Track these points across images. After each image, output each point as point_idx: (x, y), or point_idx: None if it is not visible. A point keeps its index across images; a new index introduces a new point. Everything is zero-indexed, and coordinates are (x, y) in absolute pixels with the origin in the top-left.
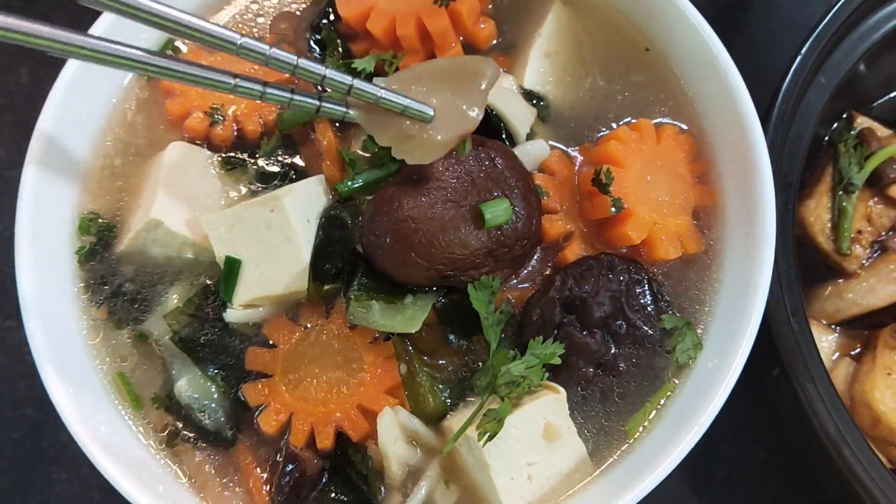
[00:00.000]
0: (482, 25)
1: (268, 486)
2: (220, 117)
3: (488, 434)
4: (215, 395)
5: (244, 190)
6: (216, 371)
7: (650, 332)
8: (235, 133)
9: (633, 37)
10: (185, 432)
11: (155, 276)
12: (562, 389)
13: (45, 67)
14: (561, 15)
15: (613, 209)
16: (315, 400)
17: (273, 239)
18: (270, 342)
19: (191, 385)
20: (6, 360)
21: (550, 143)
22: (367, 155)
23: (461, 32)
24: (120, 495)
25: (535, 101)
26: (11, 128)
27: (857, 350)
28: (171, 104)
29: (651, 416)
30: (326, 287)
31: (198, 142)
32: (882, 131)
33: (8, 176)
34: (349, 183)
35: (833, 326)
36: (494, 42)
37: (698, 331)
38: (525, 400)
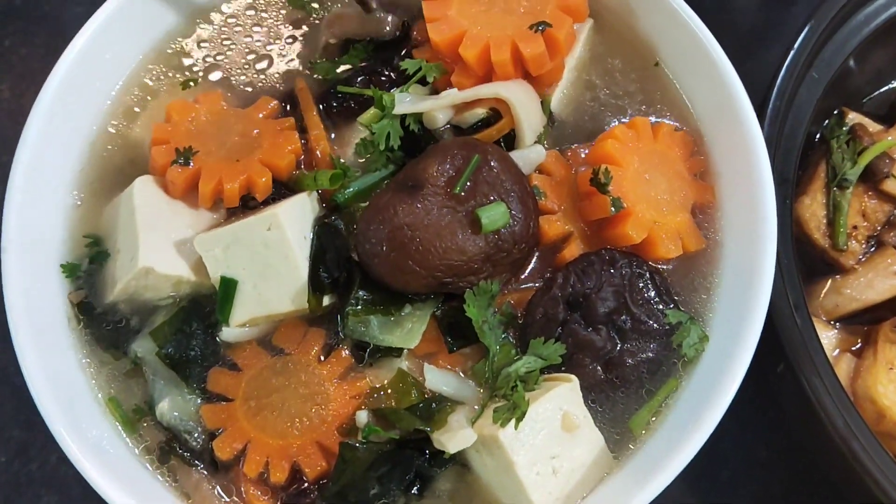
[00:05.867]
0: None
1: None
2: (184, 161)
3: (515, 418)
4: (199, 416)
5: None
6: (201, 391)
7: (655, 325)
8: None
9: (642, 50)
10: (177, 448)
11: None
12: (573, 377)
13: (26, 82)
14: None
15: (613, 209)
16: (273, 431)
17: (271, 258)
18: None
19: (174, 406)
20: None
21: (546, 144)
22: (361, 161)
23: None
24: None
25: None
26: None
27: (858, 345)
28: (158, 152)
29: (658, 412)
30: (326, 301)
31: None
32: (873, 126)
33: None
34: (345, 192)
35: (832, 323)
36: None
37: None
38: (538, 392)
